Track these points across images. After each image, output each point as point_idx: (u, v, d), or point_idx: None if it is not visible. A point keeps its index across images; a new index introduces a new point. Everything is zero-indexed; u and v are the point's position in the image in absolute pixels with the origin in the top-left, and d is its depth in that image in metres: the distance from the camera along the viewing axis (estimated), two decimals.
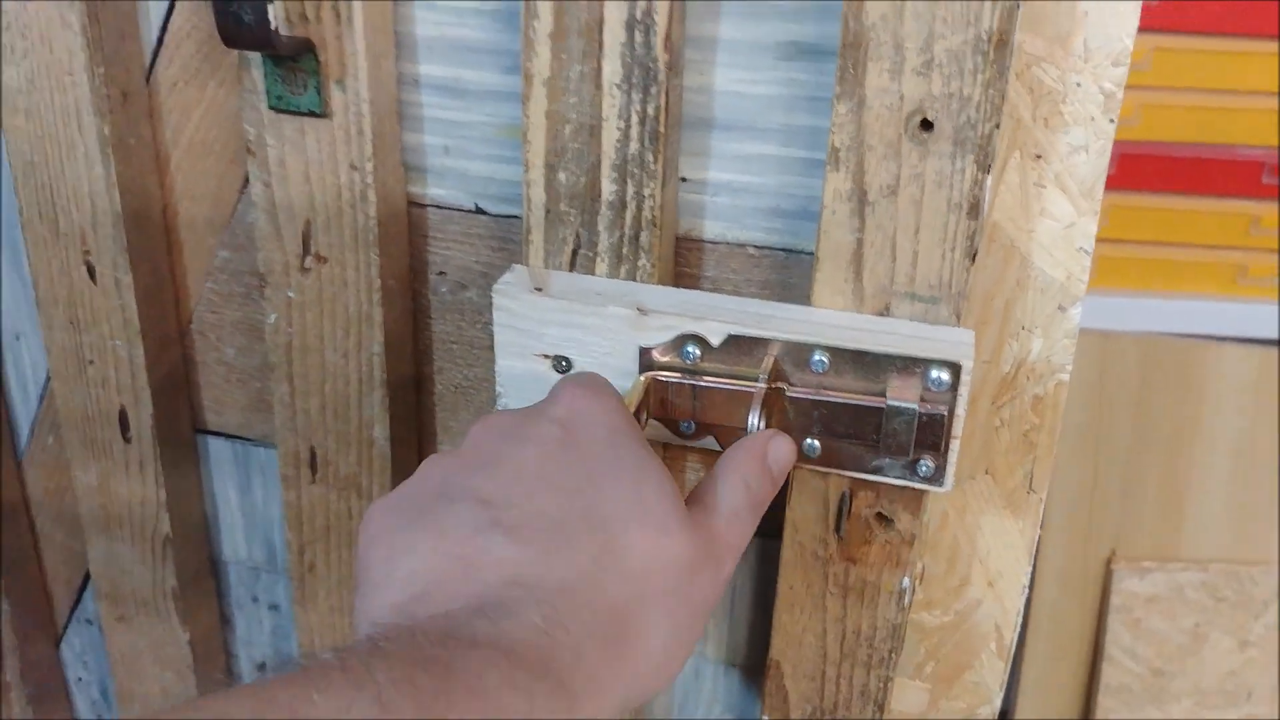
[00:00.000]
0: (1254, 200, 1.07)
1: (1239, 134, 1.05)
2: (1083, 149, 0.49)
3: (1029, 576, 0.57)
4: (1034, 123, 0.48)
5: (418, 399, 0.58)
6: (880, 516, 0.50)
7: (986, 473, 0.55)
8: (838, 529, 0.51)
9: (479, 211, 0.53)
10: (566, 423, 0.39)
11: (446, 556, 0.35)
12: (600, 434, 0.39)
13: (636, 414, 0.45)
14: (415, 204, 0.54)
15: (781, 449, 0.44)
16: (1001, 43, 0.42)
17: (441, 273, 0.55)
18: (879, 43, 0.43)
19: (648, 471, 0.38)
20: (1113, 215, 1.09)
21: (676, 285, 0.52)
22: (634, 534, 0.37)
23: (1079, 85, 0.48)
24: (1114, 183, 1.08)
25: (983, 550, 0.57)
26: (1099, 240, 1.13)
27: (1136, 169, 1.06)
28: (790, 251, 0.50)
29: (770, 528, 0.56)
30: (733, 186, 0.50)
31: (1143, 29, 1.00)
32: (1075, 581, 1.18)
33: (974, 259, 0.48)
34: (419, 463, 0.59)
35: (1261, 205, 1.07)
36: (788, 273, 0.51)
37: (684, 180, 0.50)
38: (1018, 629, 0.58)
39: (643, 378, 0.46)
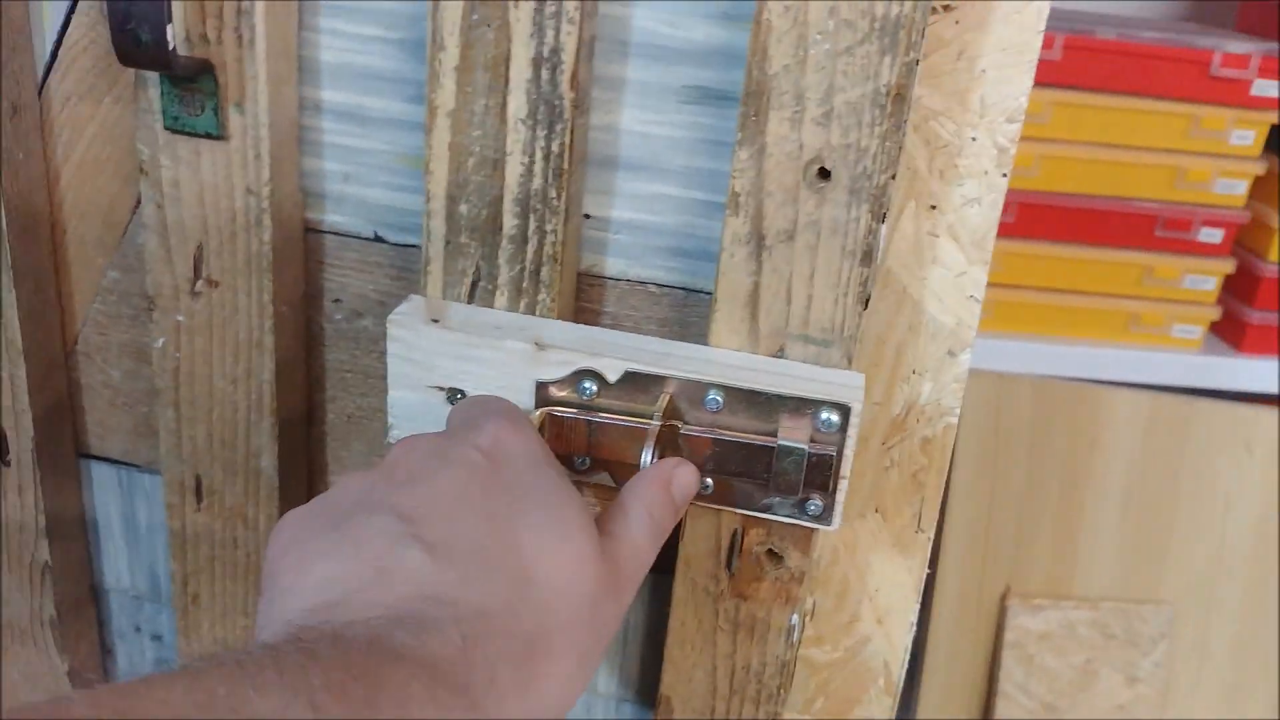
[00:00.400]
0: (1147, 252, 1.11)
1: (1134, 188, 1.09)
2: (976, 201, 0.50)
3: (916, 614, 0.58)
4: (930, 174, 0.50)
5: (308, 428, 0.57)
6: (771, 553, 0.51)
7: (876, 511, 0.56)
8: (729, 565, 0.51)
9: (378, 239, 0.53)
10: (490, 452, 0.40)
11: (362, 564, 0.35)
12: (522, 464, 0.40)
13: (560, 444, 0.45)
14: (313, 230, 0.53)
15: (685, 477, 0.45)
16: (899, 97, 0.43)
17: (337, 300, 0.54)
18: (781, 92, 0.44)
19: (567, 503, 0.39)
20: (1010, 262, 1.13)
21: (577, 320, 0.52)
22: (550, 563, 0.37)
23: (974, 140, 0.49)
24: (1012, 230, 1.12)
25: (872, 587, 0.57)
26: (997, 285, 1.17)
27: (1034, 218, 1.10)
28: (690, 290, 0.51)
29: (663, 563, 0.56)
30: (635, 225, 0.50)
31: (1043, 84, 1.03)
32: (970, 618, 1.21)
33: (866, 304, 0.49)
34: (307, 494, 0.58)
35: (1154, 257, 1.11)
36: (687, 311, 0.51)
37: (588, 217, 0.50)
38: (905, 665, 0.59)
39: (538, 413, 0.46)
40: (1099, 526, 1.17)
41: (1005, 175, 0.50)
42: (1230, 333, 1.16)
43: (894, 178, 0.48)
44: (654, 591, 0.58)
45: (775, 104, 0.44)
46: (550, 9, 0.44)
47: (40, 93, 0.53)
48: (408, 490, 0.38)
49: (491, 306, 0.49)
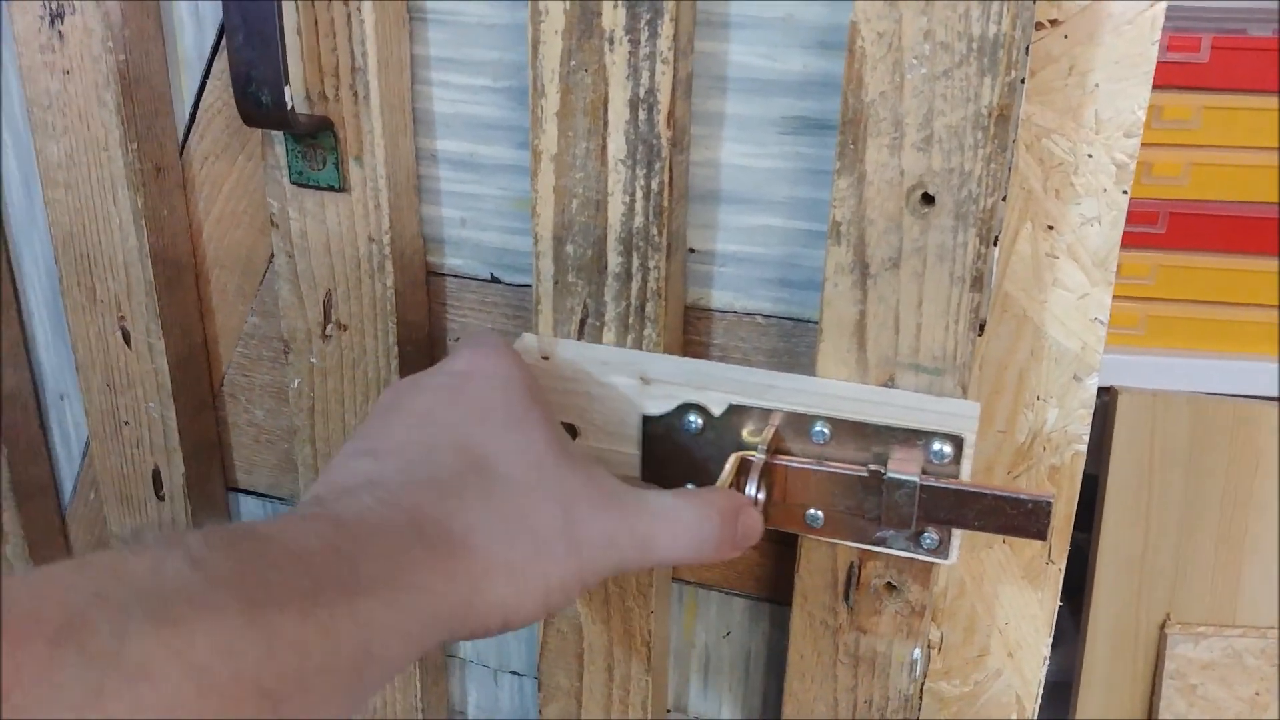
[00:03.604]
0: None
1: None
2: (1095, 220, 0.48)
3: (1049, 648, 0.56)
4: (1045, 194, 0.48)
5: None
6: (890, 586, 0.50)
7: (1004, 542, 0.54)
8: (847, 598, 0.50)
9: (494, 280, 0.54)
10: (462, 374, 0.42)
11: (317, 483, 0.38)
12: (493, 383, 0.41)
13: (736, 485, 0.45)
14: (434, 273, 0.55)
15: (752, 519, 0.44)
16: (1002, 118, 0.42)
17: (459, 340, 0.56)
18: (878, 119, 0.43)
19: (530, 416, 0.41)
20: (1163, 274, 1.08)
21: (686, 353, 0.52)
22: (498, 449, 0.39)
23: (1090, 157, 0.47)
24: (1163, 242, 1.07)
25: (1002, 620, 0.56)
26: (1150, 299, 1.12)
27: (1186, 228, 1.05)
28: (797, 321, 0.51)
29: (781, 595, 0.56)
30: (739, 257, 0.50)
31: (1190, 88, 0.99)
32: (1127, 645, 1.15)
33: (980, 331, 0.48)
34: None
35: None
36: (795, 341, 0.51)
37: (692, 251, 0.51)
38: (1039, 700, 0.57)
39: (733, 457, 0.45)
40: (1265, 550, 1.10)
41: (1125, 192, 0.48)
42: None
43: (1004, 199, 0.47)
44: (773, 623, 0.57)
45: (873, 131, 0.43)
46: (645, 51, 0.45)
47: (181, 153, 0.57)
48: (378, 421, 0.40)
49: (600, 342, 0.50)
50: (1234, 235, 1.05)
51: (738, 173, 0.49)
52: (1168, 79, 0.99)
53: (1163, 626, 1.14)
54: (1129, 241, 1.06)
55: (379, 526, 0.34)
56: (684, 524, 0.41)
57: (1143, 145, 1.10)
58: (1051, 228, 0.49)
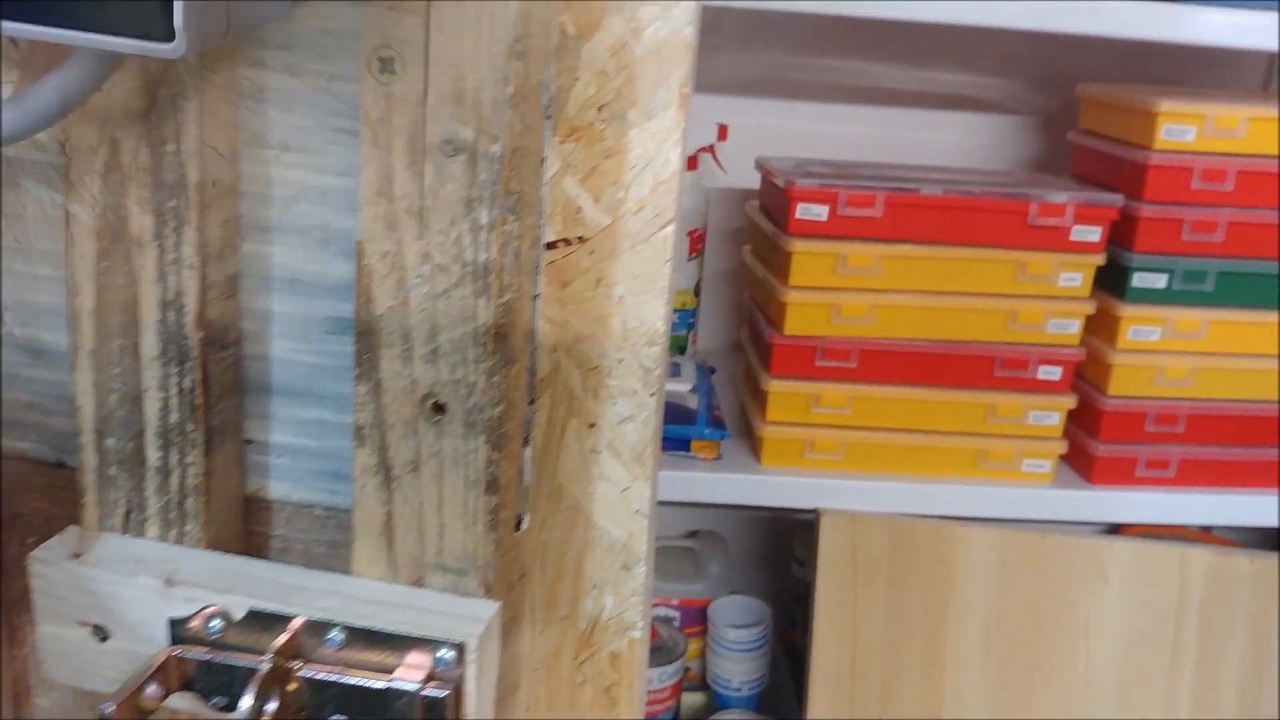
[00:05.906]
0: (989, 391, 1.12)
1: (969, 331, 1.10)
2: (630, 419, 0.51)
3: None
4: (585, 394, 0.51)
5: (12, 650, 0.56)
6: None
7: None
8: None
9: (61, 465, 0.54)
10: None
11: None
12: None
13: (143, 686, 0.44)
14: (4, 456, 0.54)
15: None
16: (500, 335, 0.44)
17: (30, 524, 0.55)
18: (389, 331, 0.45)
19: None
20: (857, 404, 1.14)
21: (247, 544, 0.52)
22: None
23: (621, 361, 0.50)
24: (855, 375, 1.13)
25: None
26: (847, 428, 1.17)
27: (874, 363, 1.11)
28: None
29: None
30: (295, 449, 0.51)
31: (870, 239, 1.06)
32: None
33: (519, 526, 0.50)
34: (12, 713, 0.58)
35: (996, 395, 1.13)
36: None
37: (250, 442, 0.51)
38: None
39: (162, 652, 0.46)
40: (964, 659, 1.16)
41: (654, 395, 0.50)
42: (1080, 465, 1.17)
43: (516, 407, 0.49)
44: None
45: (385, 342, 0.45)
46: (170, 256, 0.46)
47: None
48: None
49: (144, 535, 0.50)
50: (919, 368, 1.11)
51: (289, 368, 0.50)
52: (850, 231, 1.06)
53: None
54: (830, 375, 1.12)
55: None
56: None
57: (832, 290, 1.16)
58: (593, 425, 0.51)
